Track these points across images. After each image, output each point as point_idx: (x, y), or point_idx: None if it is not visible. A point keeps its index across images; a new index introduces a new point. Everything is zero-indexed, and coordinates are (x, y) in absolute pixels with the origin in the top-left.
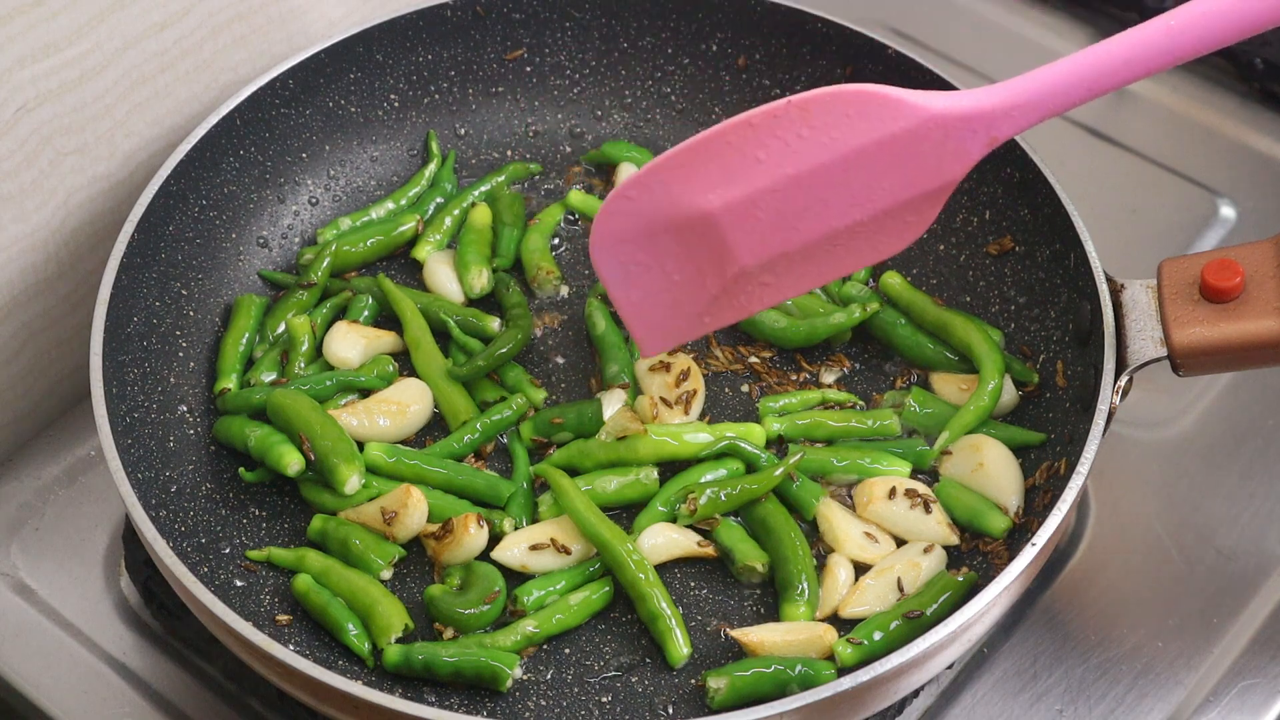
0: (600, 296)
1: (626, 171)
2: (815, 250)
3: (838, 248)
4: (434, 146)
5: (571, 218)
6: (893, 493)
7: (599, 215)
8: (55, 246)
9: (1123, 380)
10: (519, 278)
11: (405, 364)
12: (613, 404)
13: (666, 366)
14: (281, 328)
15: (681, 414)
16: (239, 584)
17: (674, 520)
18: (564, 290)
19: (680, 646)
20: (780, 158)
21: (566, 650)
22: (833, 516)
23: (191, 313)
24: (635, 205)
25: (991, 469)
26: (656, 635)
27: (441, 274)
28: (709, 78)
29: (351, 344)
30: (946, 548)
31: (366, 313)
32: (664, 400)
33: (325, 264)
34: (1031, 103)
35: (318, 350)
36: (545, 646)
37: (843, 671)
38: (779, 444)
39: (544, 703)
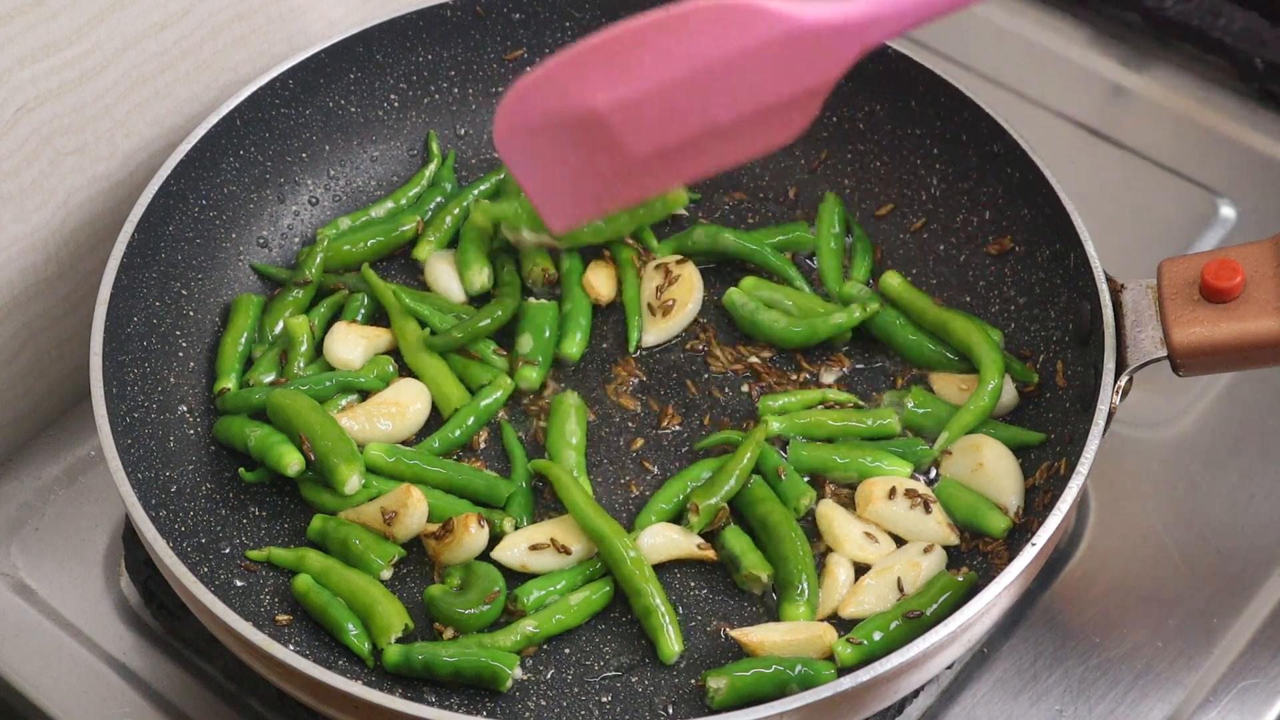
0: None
1: None
2: (703, 141)
3: (725, 138)
4: (434, 147)
5: None
6: (893, 493)
7: (500, 111)
8: (55, 246)
9: (1123, 380)
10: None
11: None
12: None
13: (665, 271)
14: (280, 327)
15: (661, 319)
16: (239, 584)
17: (676, 520)
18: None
19: (672, 643)
20: (663, 62)
21: (566, 650)
22: (833, 516)
23: (191, 313)
24: (530, 104)
25: (991, 469)
26: (649, 631)
27: (442, 273)
28: None
29: (352, 345)
30: (946, 548)
31: (363, 311)
32: (649, 306)
33: (318, 260)
34: (898, 12)
35: (317, 349)
36: (545, 646)
37: (843, 671)
38: (779, 444)
39: (544, 703)
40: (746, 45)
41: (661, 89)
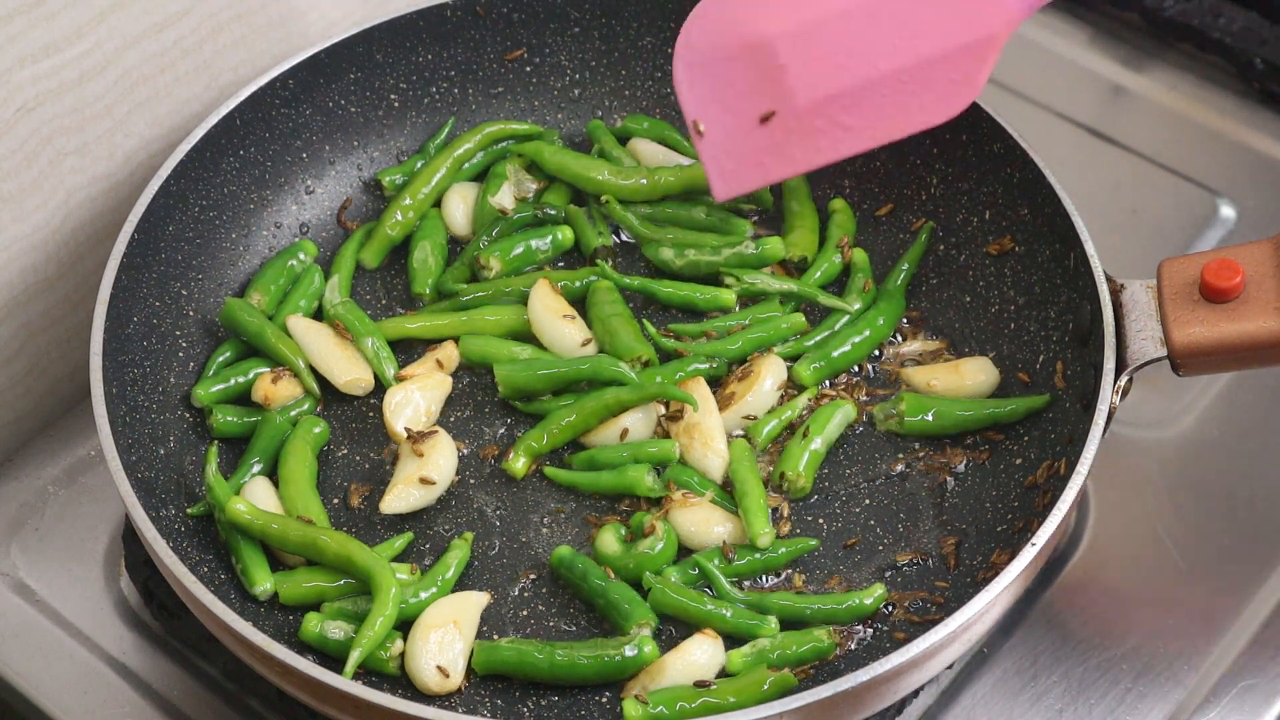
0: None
1: (642, 146)
2: (866, 99)
3: (887, 99)
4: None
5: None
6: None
7: (681, 34)
8: (55, 246)
9: (1123, 380)
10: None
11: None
12: None
13: None
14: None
15: None
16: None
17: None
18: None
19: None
20: None
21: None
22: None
23: (191, 313)
24: (708, 24)
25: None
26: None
27: (456, 203)
28: None
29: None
30: (944, 553)
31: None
32: None
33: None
34: None
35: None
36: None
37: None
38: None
39: (544, 702)
40: None
41: (829, 20)
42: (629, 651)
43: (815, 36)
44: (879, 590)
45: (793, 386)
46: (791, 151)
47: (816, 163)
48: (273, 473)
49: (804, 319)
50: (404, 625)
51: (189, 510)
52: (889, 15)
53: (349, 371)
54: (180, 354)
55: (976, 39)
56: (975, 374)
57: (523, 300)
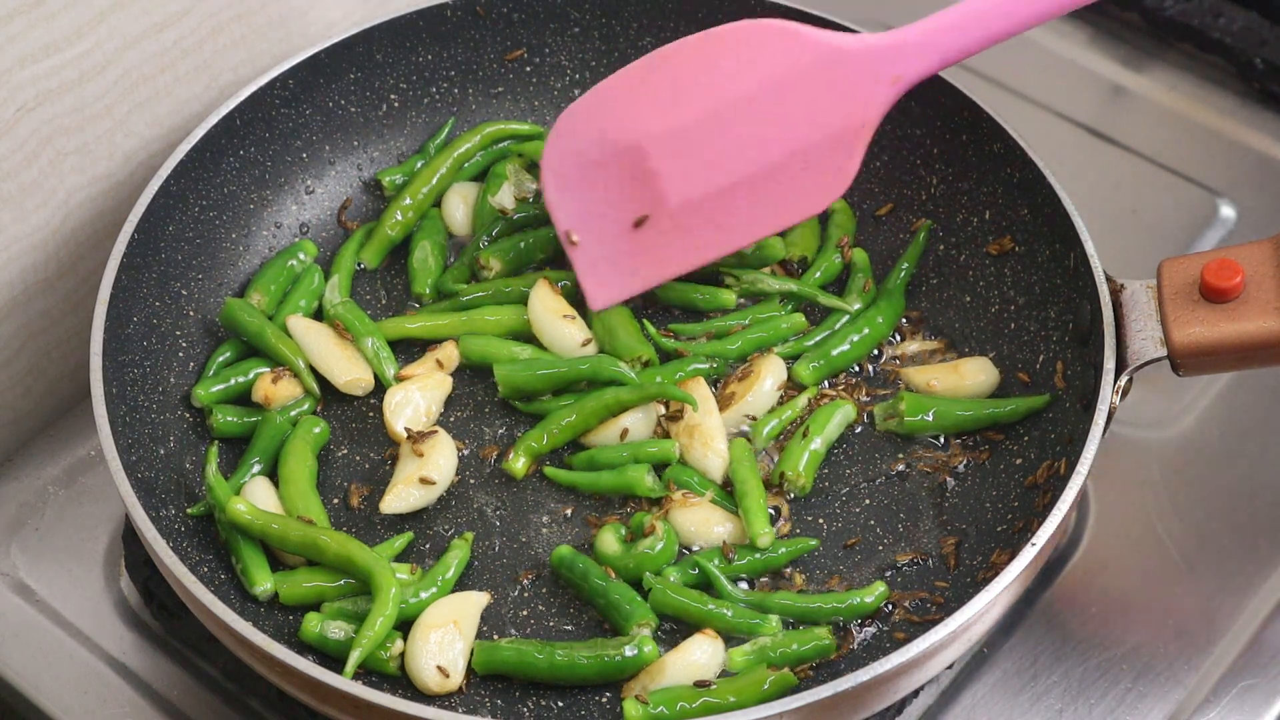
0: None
1: None
2: (740, 197)
3: (763, 194)
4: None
5: None
6: None
7: (550, 137)
8: (55, 246)
9: (1123, 380)
10: None
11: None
12: None
13: None
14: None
15: None
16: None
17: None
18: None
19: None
20: (698, 88)
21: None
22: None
23: (191, 313)
24: (579, 129)
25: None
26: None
27: (456, 203)
28: None
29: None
30: (944, 553)
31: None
32: None
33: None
34: (929, 42)
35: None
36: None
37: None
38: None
39: (544, 702)
40: (779, 69)
41: (698, 119)
42: (629, 651)
43: (685, 138)
44: (880, 588)
45: (793, 386)
46: (668, 254)
47: (694, 264)
48: (273, 473)
49: (804, 319)
50: (404, 625)
51: (189, 510)
52: (758, 112)
53: (349, 371)
54: (180, 354)
55: (847, 127)
56: (975, 374)
57: (523, 300)
